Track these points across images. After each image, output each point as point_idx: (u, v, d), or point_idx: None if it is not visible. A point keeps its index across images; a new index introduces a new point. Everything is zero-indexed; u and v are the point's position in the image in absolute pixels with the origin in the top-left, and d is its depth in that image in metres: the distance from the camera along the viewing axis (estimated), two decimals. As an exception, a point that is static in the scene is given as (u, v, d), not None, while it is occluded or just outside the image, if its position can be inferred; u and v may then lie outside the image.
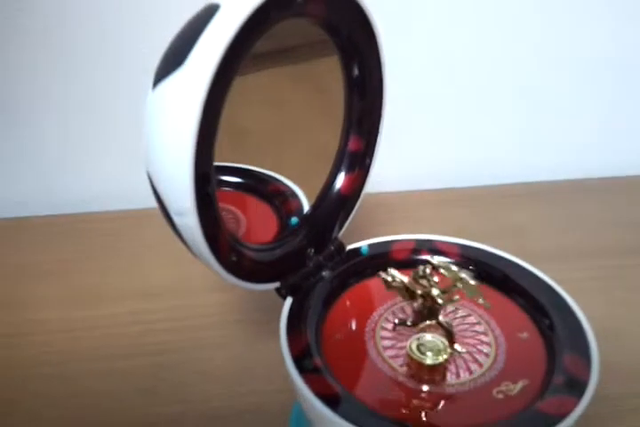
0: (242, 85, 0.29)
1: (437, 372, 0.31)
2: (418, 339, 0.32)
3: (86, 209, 0.65)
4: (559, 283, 0.35)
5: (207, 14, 0.27)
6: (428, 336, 0.32)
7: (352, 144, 0.38)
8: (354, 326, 0.34)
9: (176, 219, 0.28)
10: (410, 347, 0.32)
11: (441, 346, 0.32)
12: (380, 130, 0.38)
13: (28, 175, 0.66)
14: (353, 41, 0.33)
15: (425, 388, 0.30)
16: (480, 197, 0.67)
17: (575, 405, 0.28)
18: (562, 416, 0.27)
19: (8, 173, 0.66)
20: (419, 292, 0.32)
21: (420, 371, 0.31)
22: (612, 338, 0.40)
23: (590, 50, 0.65)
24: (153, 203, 0.30)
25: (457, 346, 0.32)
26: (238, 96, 0.29)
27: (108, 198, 0.66)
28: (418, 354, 0.31)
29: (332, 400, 0.28)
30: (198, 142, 0.26)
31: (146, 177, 0.29)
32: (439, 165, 0.70)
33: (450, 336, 0.32)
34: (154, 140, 0.27)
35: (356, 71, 0.35)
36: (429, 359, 0.31)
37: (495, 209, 0.64)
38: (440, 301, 0.31)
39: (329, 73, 0.37)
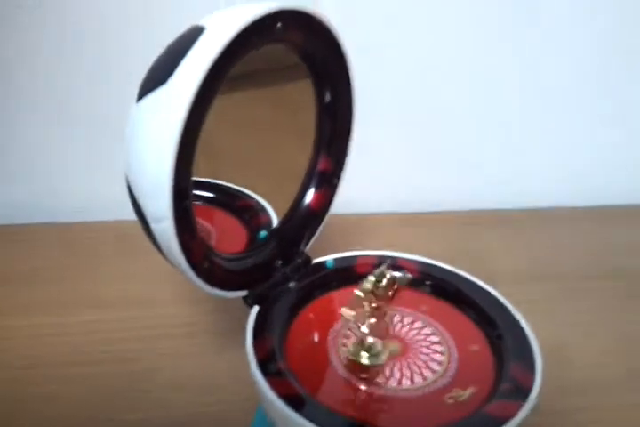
0: (217, 105, 0.31)
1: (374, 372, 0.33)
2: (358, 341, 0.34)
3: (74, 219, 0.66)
4: (511, 303, 0.38)
5: (192, 36, 0.29)
6: (370, 339, 0.34)
7: (322, 164, 0.41)
8: (317, 335, 0.36)
9: (153, 225, 0.30)
10: (350, 348, 0.34)
11: (379, 348, 0.34)
12: (349, 152, 0.41)
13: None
14: (326, 68, 0.36)
15: (382, 392, 0.32)
16: (442, 222, 0.70)
17: (519, 408, 0.30)
18: (506, 419, 0.29)
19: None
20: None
21: (356, 370, 0.33)
22: (558, 356, 0.43)
23: (553, 79, 0.70)
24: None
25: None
26: (213, 115, 0.31)
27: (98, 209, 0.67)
28: (354, 354, 0.33)
29: (294, 401, 0.29)
30: (179, 152, 0.28)
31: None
32: (404, 190, 0.73)
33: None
34: (135, 151, 0.29)
35: (327, 96, 0.37)
36: (367, 360, 0.33)
37: (455, 234, 0.67)
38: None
39: (300, 96, 0.40)
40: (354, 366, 0.33)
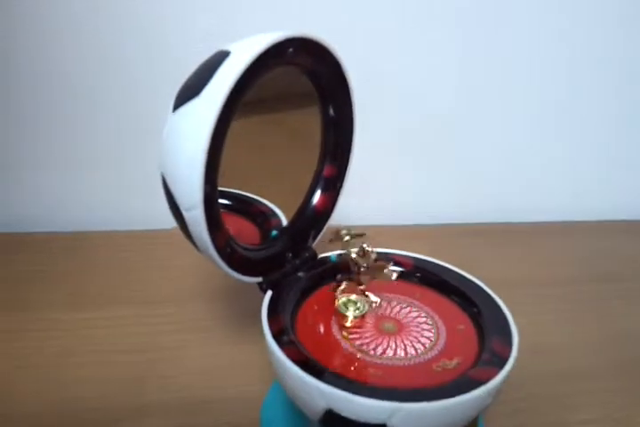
0: (235, 128, 0.37)
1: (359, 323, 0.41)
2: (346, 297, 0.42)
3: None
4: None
5: (220, 58, 0.35)
6: (353, 296, 0.42)
7: (326, 171, 0.47)
8: (322, 315, 0.41)
9: (185, 214, 0.36)
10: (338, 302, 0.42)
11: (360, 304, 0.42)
12: (350, 160, 0.47)
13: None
14: (330, 87, 0.42)
15: (378, 361, 0.37)
16: (439, 235, 0.76)
17: (497, 373, 0.35)
18: (486, 381, 0.34)
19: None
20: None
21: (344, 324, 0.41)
22: (546, 348, 0.52)
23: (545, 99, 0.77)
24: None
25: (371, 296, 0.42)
26: (233, 137, 0.37)
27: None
28: (344, 309, 0.41)
29: (304, 364, 0.34)
30: (210, 151, 0.33)
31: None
32: (404, 204, 0.79)
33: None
34: (173, 151, 0.35)
35: (331, 112, 0.44)
36: (351, 313, 0.41)
37: (452, 245, 0.73)
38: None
39: (306, 120, 0.47)
40: (343, 319, 0.41)
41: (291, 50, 0.37)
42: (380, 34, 0.69)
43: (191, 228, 0.36)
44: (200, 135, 0.33)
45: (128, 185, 0.75)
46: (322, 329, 0.40)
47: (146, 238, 0.72)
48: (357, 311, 0.41)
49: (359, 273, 0.43)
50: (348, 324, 0.41)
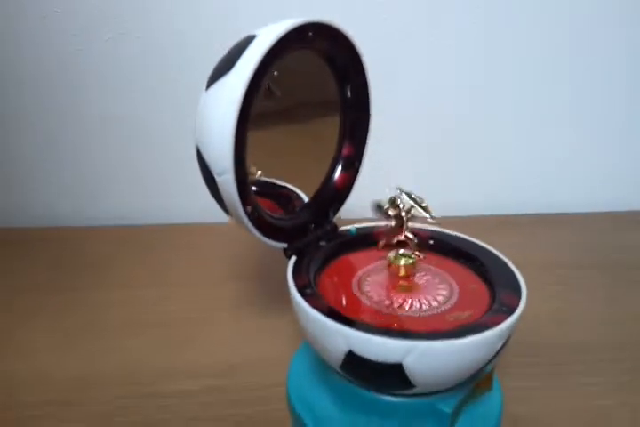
0: (260, 136, 0.43)
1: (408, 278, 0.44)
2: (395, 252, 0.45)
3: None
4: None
5: (248, 40, 0.40)
6: (401, 250, 0.44)
7: (345, 150, 0.51)
8: (342, 279, 0.45)
9: (217, 179, 0.40)
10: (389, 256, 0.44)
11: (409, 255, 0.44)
12: (367, 140, 0.50)
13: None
14: (346, 69, 0.46)
15: (395, 313, 0.40)
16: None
17: (506, 319, 0.37)
18: (495, 325, 0.37)
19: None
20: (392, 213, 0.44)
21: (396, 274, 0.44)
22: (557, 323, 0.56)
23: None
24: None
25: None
26: (259, 144, 0.43)
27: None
28: (394, 260, 0.44)
29: (325, 311, 0.38)
30: (239, 119, 0.38)
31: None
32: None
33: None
34: (206, 123, 0.39)
35: (348, 92, 0.48)
36: (403, 261, 0.43)
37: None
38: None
39: (325, 127, 0.51)
40: (395, 269, 0.44)
41: (310, 34, 0.42)
42: (396, 21, 0.74)
43: (223, 192, 0.40)
44: (231, 104, 0.38)
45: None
46: (343, 288, 0.43)
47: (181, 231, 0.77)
48: (408, 261, 0.44)
49: (401, 227, 0.45)
50: (402, 273, 0.44)
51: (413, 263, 0.44)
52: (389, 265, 0.45)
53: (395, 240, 0.45)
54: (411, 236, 0.45)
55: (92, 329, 0.56)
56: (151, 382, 0.49)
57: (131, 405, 0.47)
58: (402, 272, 0.44)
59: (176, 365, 0.51)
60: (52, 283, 0.64)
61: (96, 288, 0.64)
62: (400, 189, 0.44)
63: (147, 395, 0.48)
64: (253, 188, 0.54)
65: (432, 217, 0.43)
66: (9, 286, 0.64)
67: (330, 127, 0.51)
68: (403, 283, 0.44)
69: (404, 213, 0.44)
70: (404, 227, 0.45)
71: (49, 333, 0.56)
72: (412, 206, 0.43)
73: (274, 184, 0.54)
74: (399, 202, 0.43)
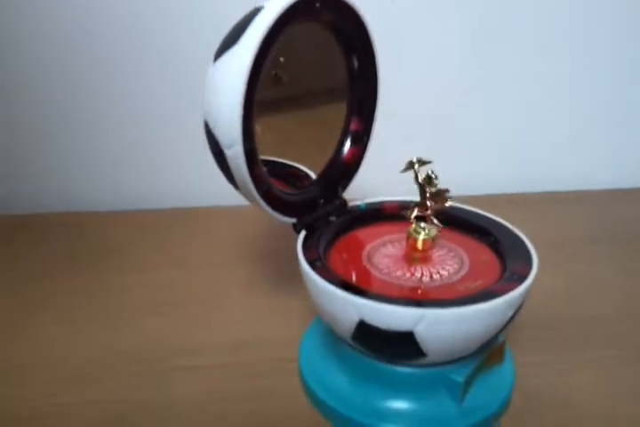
0: (268, 121, 0.44)
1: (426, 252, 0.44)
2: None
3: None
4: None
5: (254, 12, 0.40)
6: (422, 224, 0.44)
7: (353, 125, 0.50)
8: (352, 252, 0.45)
9: (226, 152, 0.40)
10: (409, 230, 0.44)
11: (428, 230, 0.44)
12: (375, 115, 0.50)
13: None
14: (353, 41, 0.46)
15: (406, 283, 0.40)
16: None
17: (517, 287, 0.37)
18: (506, 293, 0.37)
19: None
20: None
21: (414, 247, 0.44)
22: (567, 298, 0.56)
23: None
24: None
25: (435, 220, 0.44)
26: (269, 130, 0.43)
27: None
28: (414, 234, 0.43)
29: (335, 282, 0.38)
30: (247, 90, 0.38)
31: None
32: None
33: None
34: (214, 96, 0.39)
35: (355, 64, 0.47)
36: (422, 235, 0.43)
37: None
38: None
39: (331, 114, 0.51)
40: (413, 241, 0.44)
41: (317, 5, 0.42)
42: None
43: (231, 165, 0.40)
44: (239, 74, 0.37)
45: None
46: (353, 262, 0.43)
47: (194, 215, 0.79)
48: (426, 235, 0.43)
49: (425, 198, 0.44)
50: (420, 246, 0.44)
51: (434, 237, 0.44)
52: (408, 238, 0.44)
53: (418, 213, 0.45)
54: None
55: (107, 310, 0.57)
56: (166, 360, 0.49)
57: (146, 382, 0.47)
58: (420, 246, 0.44)
59: (191, 343, 0.51)
60: (69, 267, 0.65)
61: (112, 272, 0.64)
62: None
63: (161, 372, 0.48)
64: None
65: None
66: (28, 271, 0.64)
67: (338, 108, 0.51)
68: (414, 255, 0.44)
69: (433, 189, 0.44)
70: (429, 201, 0.44)
71: (66, 314, 0.56)
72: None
73: (281, 163, 0.54)
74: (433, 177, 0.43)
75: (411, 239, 0.44)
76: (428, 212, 0.44)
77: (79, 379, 0.48)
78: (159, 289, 0.60)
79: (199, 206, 0.81)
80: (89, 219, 0.78)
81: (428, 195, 0.44)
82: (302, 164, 0.53)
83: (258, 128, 0.41)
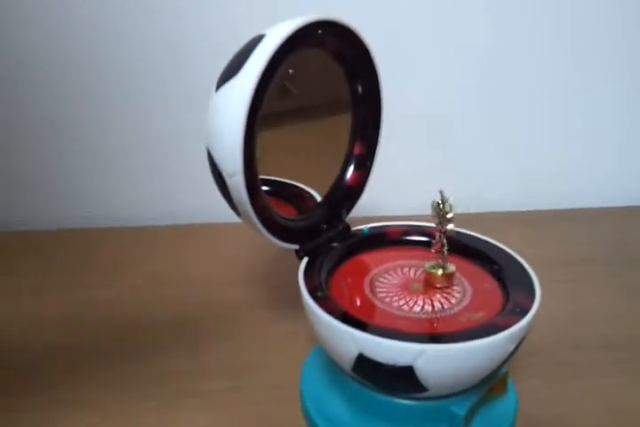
0: (273, 135, 0.44)
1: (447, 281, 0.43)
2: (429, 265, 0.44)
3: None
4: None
5: (257, 40, 0.40)
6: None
7: (357, 149, 0.50)
8: (355, 279, 0.45)
9: (228, 180, 0.40)
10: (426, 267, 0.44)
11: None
12: (379, 139, 0.50)
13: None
14: (357, 67, 0.46)
15: (407, 315, 0.40)
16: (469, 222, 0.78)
17: (519, 320, 0.37)
18: (508, 327, 0.36)
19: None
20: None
21: (433, 281, 0.43)
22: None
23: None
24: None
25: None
26: (272, 141, 0.43)
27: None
28: (430, 270, 0.43)
29: (336, 314, 0.38)
30: (248, 121, 0.37)
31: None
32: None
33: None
34: (216, 125, 0.39)
35: (359, 89, 0.47)
36: (439, 272, 0.43)
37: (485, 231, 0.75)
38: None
39: (336, 126, 0.51)
40: (431, 278, 0.44)
41: (320, 32, 0.41)
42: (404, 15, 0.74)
43: (233, 193, 0.40)
44: (240, 105, 0.37)
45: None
46: (354, 290, 0.43)
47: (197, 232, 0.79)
48: (443, 271, 0.43)
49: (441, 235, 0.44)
50: (439, 284, 0.43)
51: (451, 274, 0.43)
52: (426, 274, 0.44)
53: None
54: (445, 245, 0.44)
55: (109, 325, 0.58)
56: (168, 382, 0.50)
57: (152, 406, 0.47)
58: (438, 283, 0.43)
59: (191, 364, 0.52)
60: (70, 282, 0.66)
61: (109, 287, 0.65)
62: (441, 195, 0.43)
63: (164, 395, 0.48)
64: (265, 187, 0.54)
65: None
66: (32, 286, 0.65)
67: (342, 126, 0.51)
68: (416, 284, 0.44)
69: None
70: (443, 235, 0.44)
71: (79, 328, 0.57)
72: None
73: (286, 184, 0.54)
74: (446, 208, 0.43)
75: (429, 276, 0.44)
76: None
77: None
78: (159, 305, 0.61)
79: (203, 223, 0.81)
80: (87, 235, 0.79)
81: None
82: (306, 183, 0.53)
83: (261, 145, 0.41)
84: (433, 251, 0.44)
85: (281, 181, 0.54)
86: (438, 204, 0.42)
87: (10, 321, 0.59)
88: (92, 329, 0.57)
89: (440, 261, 0.44)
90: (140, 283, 0.66)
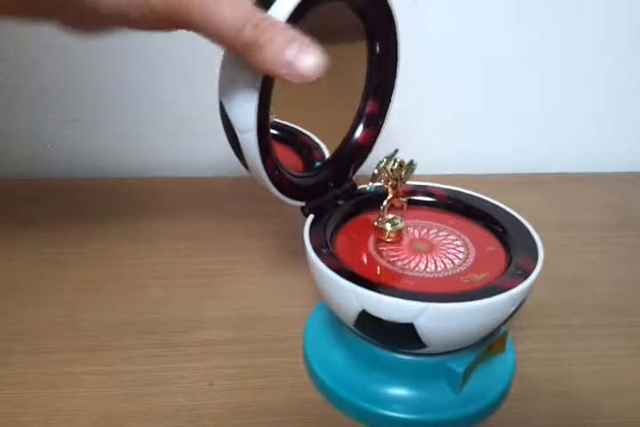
0: (286, 86, 0.38)
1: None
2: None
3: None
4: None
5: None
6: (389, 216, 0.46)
7: (369, 107, 0.50)
8: (359, 237, 0.45)
9: (240, 136, 0.39)
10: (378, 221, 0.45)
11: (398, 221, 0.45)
12: (392, 98, 0.49)
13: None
14: (378, 25, 0.45)
15: (410, 273, 0.41)
16: (481, 183, 0.79)
17: (520, 282, 0.38)
18: (509, 288, 0.37)
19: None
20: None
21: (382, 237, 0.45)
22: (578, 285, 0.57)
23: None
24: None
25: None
26: (284, 94, 0.40)
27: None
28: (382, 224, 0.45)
29: (340, 271, 0.38)
30: (264, 77, 0.37)
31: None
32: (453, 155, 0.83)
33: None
34: (230, 77, 0.38)
35: (377, 49, 0.46)
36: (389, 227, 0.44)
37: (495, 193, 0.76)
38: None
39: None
40: (380, 232, 0.45)
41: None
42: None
43: (244, 150, 0.40)
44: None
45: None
46: (359, 248, 0.44)
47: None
48: (395, 227, 0.44)
49: (396, 186, 0.45)
50: (387, 238, 0.44)
51: (400, 229, 0.45)
52: (375, 229, 0.45)
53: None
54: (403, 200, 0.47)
55: (116, 280, 0.58)
56: (172, 332, 0.51)
57: (153, 353, 0.49)
58: (387, 238, 0.44)
59: (196, 316, 0.53)
60: (79, 235, 0.66)
61: (122, 240, 0.65)
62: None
63: (169, 344, 0.50)
64: (274, 131, 0.53)
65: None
66: (38, 238, 0.66)
67: (357, 82, 0.50)
68: (420, 244, 0.44)
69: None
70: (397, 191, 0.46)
71: (76, 282, 0.57)
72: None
73: (295, 130, 0.53)
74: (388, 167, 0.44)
75: (377, 232, 0.45)
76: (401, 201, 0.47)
77: (86, 347, 0.49)
78: (166, 260, 0.62)
79: (216, 176, 0.81)
80: (98, 186, 0.79)
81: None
82: (316, 134, 0.53)
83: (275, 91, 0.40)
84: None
85: (289, 127, 0.53)
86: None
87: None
88: (97, 281, 0.59)
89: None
90: (144, 236, 0.67)
